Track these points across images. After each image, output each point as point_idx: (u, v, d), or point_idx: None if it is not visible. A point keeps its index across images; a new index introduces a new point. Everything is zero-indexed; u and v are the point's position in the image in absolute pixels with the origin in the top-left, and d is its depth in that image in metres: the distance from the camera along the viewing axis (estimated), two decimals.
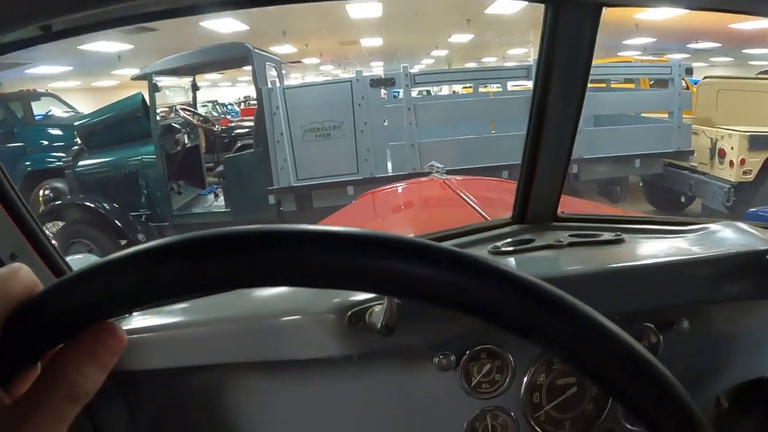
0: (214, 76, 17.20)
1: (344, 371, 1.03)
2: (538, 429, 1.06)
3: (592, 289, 1.03)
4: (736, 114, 7.57)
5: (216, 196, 7.25)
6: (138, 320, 1.05)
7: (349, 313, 0.93)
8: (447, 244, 1.20)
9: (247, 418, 1.07)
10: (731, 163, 6.78)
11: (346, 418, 1.07)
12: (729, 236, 1.19)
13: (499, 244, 1.19)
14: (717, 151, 6.97)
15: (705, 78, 9.01)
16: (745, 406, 1.33)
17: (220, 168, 6.89)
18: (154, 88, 6.42)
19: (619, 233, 1.23)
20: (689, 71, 7.75)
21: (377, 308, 0.90)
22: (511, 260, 1.13)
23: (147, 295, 0.41)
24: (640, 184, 8.17)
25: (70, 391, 0.36)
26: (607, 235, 1.22)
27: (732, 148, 6.78)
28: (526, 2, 1.05)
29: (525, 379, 1.04)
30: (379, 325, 0.88)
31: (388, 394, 1.05)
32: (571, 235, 1.22)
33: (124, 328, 1.02)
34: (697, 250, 1.13)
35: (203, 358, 1.01)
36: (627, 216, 1.59)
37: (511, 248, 1.17)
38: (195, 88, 8.21)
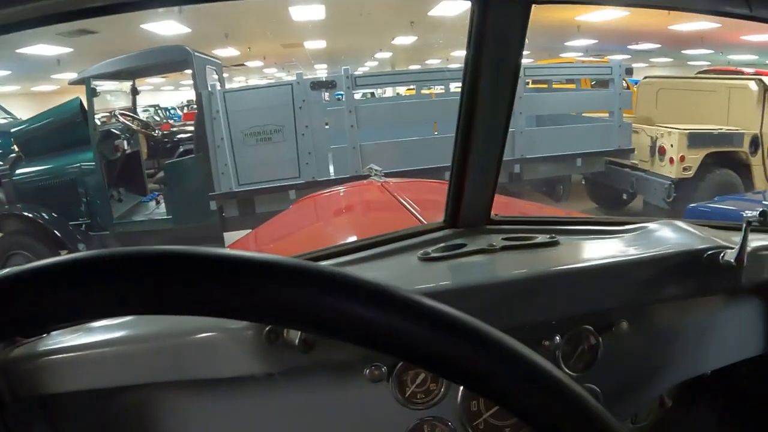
0: (156, 80, 16.93)
1: (268, 389, 0.99)
2: None
3: (527, 294, 1.01)
4: (676, 113, 7.78)
5: (157, 203, 7.09)
6: (56, 340, 0.99)
7: (267, 329, 0.89)
8: (378, 250, 1.15)
9: (180, 429, 1.02)
10: (671, 160, 6.95)
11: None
12: (667, 235, 1.19)
13: (429, 249, 1.16)
14: (657, 148, 7.13)
15: (645, 78, 9.24)
16: (688, 403, 1.33)
17: (161, 174, 6.75)
18: (92, 93, 6.27)
19: (553, 235, 1.22)
20: (629, 71, 7.94)
21: None
22: (443, 265, 1.10)
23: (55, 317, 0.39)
24: (583, 182, 8.30)
25: None
26: (541, 238, 1.21)
27: (672, 146, 6.95)
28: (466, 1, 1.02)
29: (461, 388, 1.01)
30: (297, 341, 0.85)
31: (318, 410, 1.01)
32: (504, 239, 1.20)
33: (43, 348, 0.97)
34: (635, 251, 1.12)
35: (124, 379, 0.96)
36: (562, 217, 1.58)
37: (441, 254, 1.14)
38: (135, 92, 8.06)
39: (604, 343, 1.05)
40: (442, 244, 1.19)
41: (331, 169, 6.59)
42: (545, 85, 8.39)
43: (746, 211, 1.19)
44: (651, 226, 1.25)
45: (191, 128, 9.17)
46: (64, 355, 0.96)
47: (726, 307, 1.19)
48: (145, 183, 7.57)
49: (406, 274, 1.07)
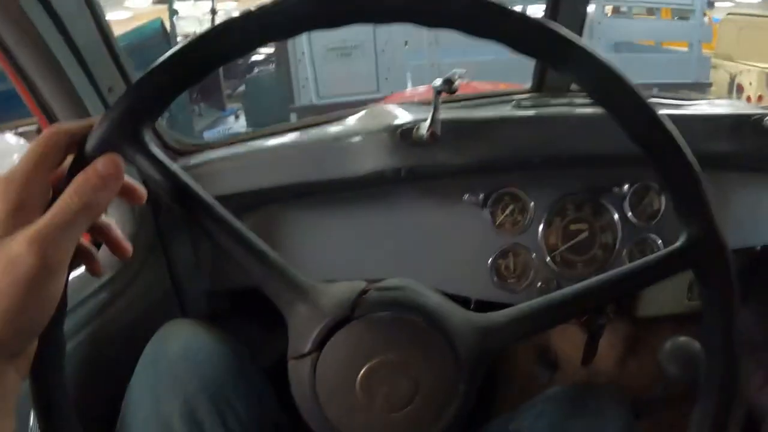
0: (228, 5, 17.06)
1: (389, 194, 1.14)
2: (553, 267, 1.17)
3: (601, 127, 1.10)
4: (758, 53, 7.51)
5: (236, 117, 7.33)
6: (211, 153, 1.15)
7: (400, 130, 1.03)
8: (476, 102, 1.27)
9: (300, 240, 1.18)
10: (749, 99, 6.74)
11: (385, 245, 1.18)
12: (723, 104, 1.28)
13: (521, 102, 1.26)
14: (735, 86, 6.93)
15: (728, 14, 8.90)
16: (739, 274, 1.42)
17: (242, 88, 6.94)
18: (173, 13, 6.45)
19: None
20: (710, 4, 7.66)
21: (424, 123, 1.00)
22: (533, 109, 1.22)
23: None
24: None
25: (84, 205, 0.43)
26: None
27: (750, 84, 6.75)
28: None
29: (542, 221, 1.15)
30: (425, 135, 0.98)
31: (422, 226, 1.16)
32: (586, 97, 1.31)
33: (192, 162, 1.13)
34: (695, 111, 1.21)
35: (273, 179, 1.11)
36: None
37: (531, 103, 1.25)
38: (214, 12, 8.21)
39: (666, 199, 1.16)
40: (531, 102, 1.29)
41: (409, 84, 6.61)
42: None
43: None
44: (715, 100, 1.34)
45: (265, 50, 9.33)
46: (220, 164, 1.12)
47: None
48: (224, 98, 7.79)
49: (501, 113, 1.18)
